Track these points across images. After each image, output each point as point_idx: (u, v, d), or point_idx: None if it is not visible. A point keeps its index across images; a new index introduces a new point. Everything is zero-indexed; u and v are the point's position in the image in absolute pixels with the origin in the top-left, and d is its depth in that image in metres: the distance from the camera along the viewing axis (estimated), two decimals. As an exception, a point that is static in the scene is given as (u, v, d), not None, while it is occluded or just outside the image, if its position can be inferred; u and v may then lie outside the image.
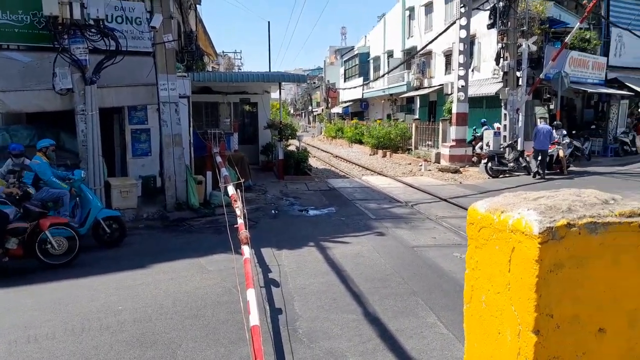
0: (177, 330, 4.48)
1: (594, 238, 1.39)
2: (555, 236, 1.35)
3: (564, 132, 15.11)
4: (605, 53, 19.57)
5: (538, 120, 15.74)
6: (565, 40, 15.38)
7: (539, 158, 13.92)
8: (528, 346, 1.41)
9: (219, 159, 10.06)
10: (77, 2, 8.44)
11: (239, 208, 5.88)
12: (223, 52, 38.56)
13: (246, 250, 4.71)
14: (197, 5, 20.88)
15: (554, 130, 14.43)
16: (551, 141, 14.09)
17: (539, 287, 1.36)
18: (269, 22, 44.19)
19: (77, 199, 7.67)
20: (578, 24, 15.46)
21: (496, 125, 16.81)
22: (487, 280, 1.57)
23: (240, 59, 53.62)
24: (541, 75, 15.68)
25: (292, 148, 19.09)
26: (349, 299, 5.21)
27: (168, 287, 5.66)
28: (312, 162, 19.52)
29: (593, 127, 19.17)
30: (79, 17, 8.51)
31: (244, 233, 4.99)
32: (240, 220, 5.45)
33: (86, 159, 8.93)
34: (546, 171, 14.00)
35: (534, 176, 14.09)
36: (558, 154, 14.32)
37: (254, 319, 3.42)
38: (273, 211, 10.10)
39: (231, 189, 7.03)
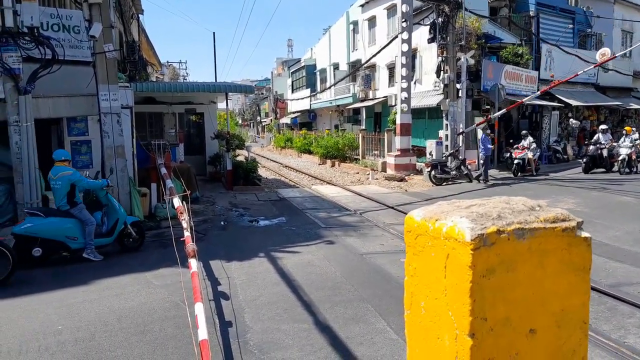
0: (123, 347, 4.33)
1: (522, 243, 1.48)
2: (487, 242, 1.42)
3: (532, 139, 16.47)
4: (537, 67, 20.84)
5: (479, 131, 16.48)
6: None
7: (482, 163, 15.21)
8: (464, 349, 1.46)
9: (163, 170, 9.83)
10: (10, 9, 8.03)
11: (185, 220, 5.76)
12: (168, 62, 37.95)
13: (193, 263, 4.63)
14: (140, 15, 20.43)
15: (524, 139, 16.18)
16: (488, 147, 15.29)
17: (472, 291, 1.42)
18: (214, 33, 44.44)
19: (105, 207, 7.75)
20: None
21: (441, 133, 17.45)
22: (425, 287, 1.62)
23: (186, 69, 52.81)
24: (485, 104, 16.41)
25: (240, 158, 18.93)
26: (300, 309, 5.23)
27: (112, 303, 5.46)
28: (262, 172, 19.42)
29: (528, 136, 20.32)
30: (11, 24, 8.10)
31: (190, 246, 4.91)
32: (186, 233, 5.36)
33: (21, 172, 8.48)
34: (519, 174, 15.92)
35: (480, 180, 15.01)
36: (528, 158, 15.83)
37: (203, 332, 3.38)
38: (222, 223, 9.96)
39: (177, 201, 6.89)
